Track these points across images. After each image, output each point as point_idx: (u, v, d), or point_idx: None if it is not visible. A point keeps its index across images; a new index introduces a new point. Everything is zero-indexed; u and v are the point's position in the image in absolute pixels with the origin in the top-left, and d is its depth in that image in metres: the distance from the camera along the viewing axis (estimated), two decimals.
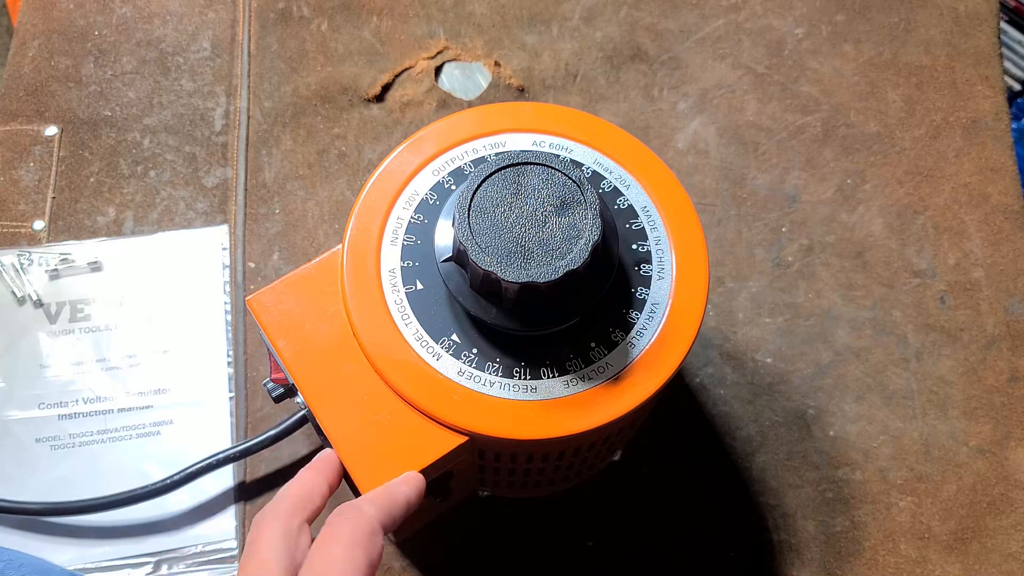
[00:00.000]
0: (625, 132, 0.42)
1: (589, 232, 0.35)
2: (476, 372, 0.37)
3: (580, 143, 0.42)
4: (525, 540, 0.49)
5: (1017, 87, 1.02)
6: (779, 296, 0.56)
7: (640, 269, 0.39)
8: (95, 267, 0.55)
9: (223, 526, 0.49)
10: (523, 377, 0.37)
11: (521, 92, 0.62)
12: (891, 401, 0.53)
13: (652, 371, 0.37)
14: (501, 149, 0.42)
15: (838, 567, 0.49)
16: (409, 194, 0.40)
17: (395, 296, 0.38)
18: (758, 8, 0.65)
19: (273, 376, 0.43)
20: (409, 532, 0.48)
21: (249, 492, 0.50)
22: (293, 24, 0.63)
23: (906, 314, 0.55)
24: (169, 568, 0.48)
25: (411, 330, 0.37)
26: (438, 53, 0.63)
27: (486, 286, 0.35)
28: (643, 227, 0.40)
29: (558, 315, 0.36)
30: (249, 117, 0.60)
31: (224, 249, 0.56)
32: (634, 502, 0.50)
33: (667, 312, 0.38)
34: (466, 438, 0.36)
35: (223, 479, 0.50)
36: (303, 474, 0.36)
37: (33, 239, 0.56)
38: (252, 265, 0.56)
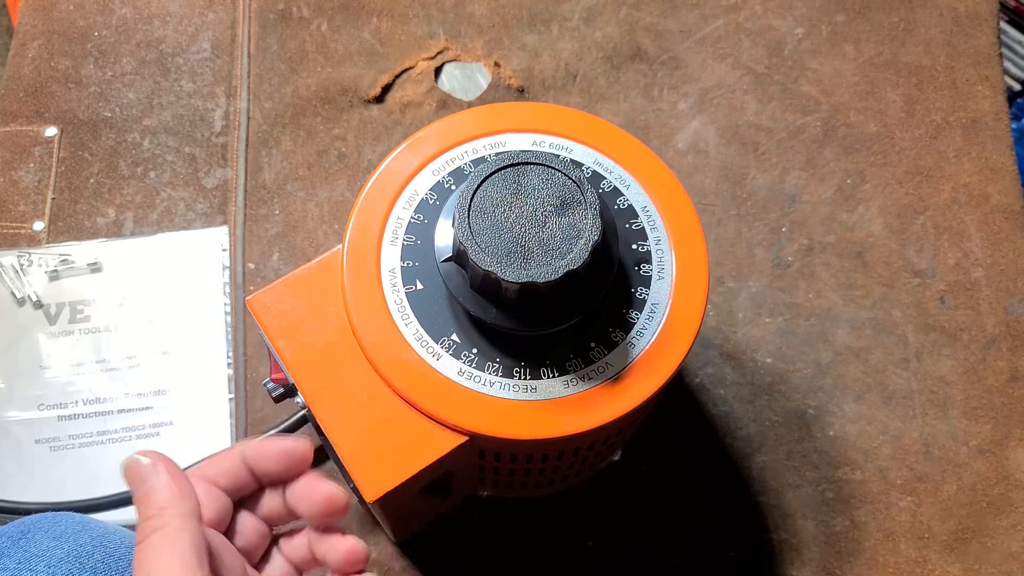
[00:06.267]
0: (625, 132, 0.42)
1: (589, 232, 0.35)
2: (476, 372, 0.37)
3: (580, 143, 0.42)
4: (525, 540, 0.49)
5: (1017, 87, 1.02)
6: (779, 296, 0.56)
7: (640, 269, 0.39)
8: (95, 268, 0.55)
9: None
10: (523, 377, 0.37)
11: (521, 92, 0.62)
12: (891, 401, 0.53)
13: (652, 371, 0.37)
14: (501, 149, 0.42)
15: (838, 567, 0.49)
16: (409, 194, 0.40)
17: (395, 296, 0.38)
18: (758, 8, 0.65)
19: (273, 376, 0.43)
20: (409, 533, 0.48)
21: None
22: (293, 25, 0.63)
23: (906, 314, 0.55)
24: None
25: (411, 330, 0.37)
26: (438, 53, 0.63)
27: (486, 286, 0.35)
28: (643, 227, 0.40)
29: (558, 315, 0.36)
30: (249, 118, 0.60)
31: (224, 250, 0.56)
32: (634, 502, 0.50)
33: (667, 312, 0.38)
34: (466, 438, 0.36)
35: None
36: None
37: (33, 240, 0.56)
38: (252, 266, 0.56)
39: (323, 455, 0.50)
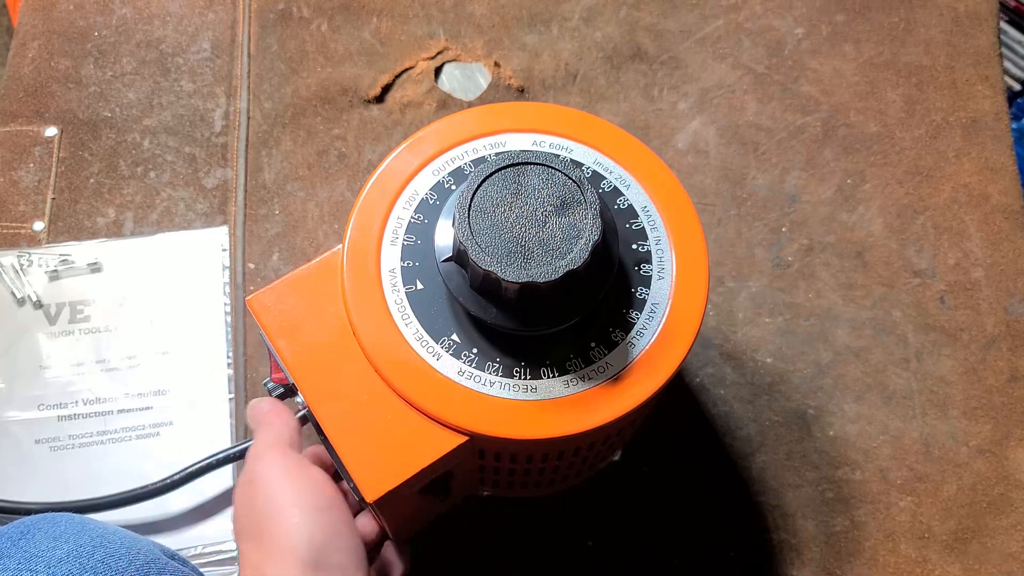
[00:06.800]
0: (625, 132, 0.42)
1: (589, 232, 0.35)
2: (476, 372, 0.37)
3: (580, 143, 0.42)
4: (525, 540, 0.49)
5: (1017, 87, 1.02)
6: (779, 296, 0.56)
7: (640, 269, 0.39)
8: (95, 268, 0.55)
9: (223, 526, 0.49)
10: (523, 377, 0.37)
11: (521, 92, 0.62)
12: (891, 401, 0.53)
13: (652, 371, 0.37)
14: (501, 149, 0.42)
15: (838, 567, 0.49)
16: (409, 194, 0.40)
17: (395, 296, 0.38)
18: (758, 8, 0.65)
19: (273, 376, 0.43)
20: (409, 532, 0.48)
21: None
22: (293, 25, 0.63)
23: (906, 314, 0.55)
24: None
25: (411, 330, 0.37)
26: (438, 53, 0.63)
27: (486, 286, 0.35)
28: (643, 227, 0.40)
29: (558, 315, 0.36)
30: (249, 118, 0.60)
31: (224, 250, 0.56)
32: (634, 502, 0.50)
33: (667, 312, 0.38)
34: (466, 438, 0.36)
35: (223, 479, 0.50)
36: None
37: (33, 240, 0.56)
38: (252, 266, 0.56)
39: None
